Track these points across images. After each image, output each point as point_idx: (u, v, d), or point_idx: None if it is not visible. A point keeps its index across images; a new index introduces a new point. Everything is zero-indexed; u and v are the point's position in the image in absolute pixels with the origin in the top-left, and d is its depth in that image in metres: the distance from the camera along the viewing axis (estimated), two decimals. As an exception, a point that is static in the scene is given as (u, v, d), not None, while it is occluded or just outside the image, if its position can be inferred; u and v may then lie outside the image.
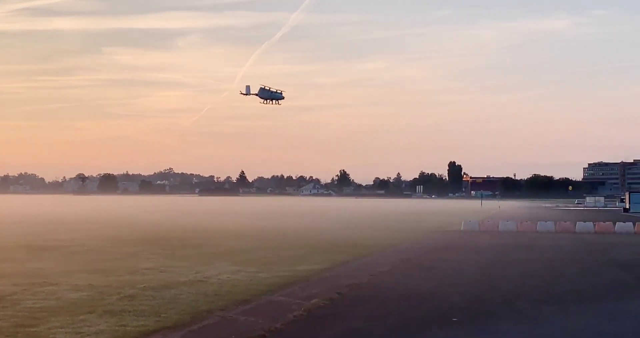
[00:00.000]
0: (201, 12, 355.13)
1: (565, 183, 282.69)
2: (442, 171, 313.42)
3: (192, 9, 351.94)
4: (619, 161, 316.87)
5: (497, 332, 13.57)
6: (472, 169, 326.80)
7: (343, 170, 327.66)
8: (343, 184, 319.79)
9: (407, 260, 27.12)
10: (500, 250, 32.36)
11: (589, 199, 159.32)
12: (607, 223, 49.60)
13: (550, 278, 22.04)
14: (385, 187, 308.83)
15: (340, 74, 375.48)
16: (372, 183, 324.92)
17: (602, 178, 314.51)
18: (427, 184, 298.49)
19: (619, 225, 48.15)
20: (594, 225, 48.37)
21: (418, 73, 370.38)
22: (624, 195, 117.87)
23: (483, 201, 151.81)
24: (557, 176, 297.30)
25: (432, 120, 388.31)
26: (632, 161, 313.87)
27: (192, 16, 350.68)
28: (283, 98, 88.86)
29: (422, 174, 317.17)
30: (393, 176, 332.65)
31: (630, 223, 48.82)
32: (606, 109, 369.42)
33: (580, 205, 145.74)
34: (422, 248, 32.72)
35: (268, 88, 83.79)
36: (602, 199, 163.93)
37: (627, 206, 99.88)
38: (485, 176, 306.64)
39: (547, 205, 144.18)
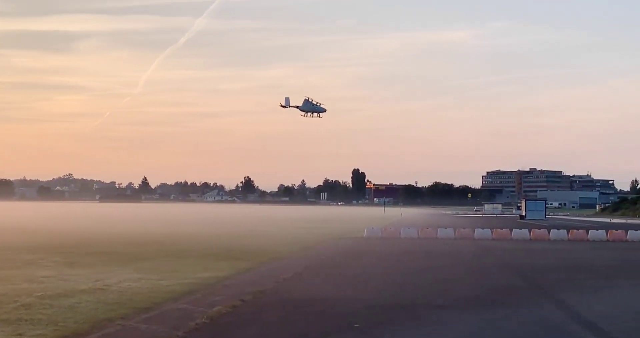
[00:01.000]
0: (103, 15, 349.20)
1: (464, 190, 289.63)
2: (346, 179, 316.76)
3: (94, 12, 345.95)
4: (515, 170, 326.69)
5: (397, 337, 13.81)
6: (376, 177, 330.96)
7: (247, 177, 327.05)
8: (248, 191, 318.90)
9: (311, 266, 27.27)
10: (402, 257, 32.89)
11: (487, 207, 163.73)
12: (504, 229, 51.08)
13: (450, 283, 22.54)
14: (290, 194, 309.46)
15: (244, 80, 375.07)
16: (276, 189, 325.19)
17: (500, 186, 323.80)
18: (332, 191, 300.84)
19: (516, 232, 49.69)
20: (492, 232, 49.73)
21: (322, 81, 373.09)
22: (521, 203, 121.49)
23: (386, 208, 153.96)
24: (457, 184, 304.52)
25: (336, 128, 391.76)
26: (528, 169, 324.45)
27: (94, 19, 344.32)
28: (325, 111, 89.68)
29: (326, 182, 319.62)
30: (298, 183, 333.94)
31: (526, 230, 50.43)
32: (504, 119, 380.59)
33: (479, 212, 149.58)
34: (326, 255, 32.96)
35: (311, 101, 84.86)
36: (499, 206, 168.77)
37: (524, 214, 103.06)
38: (388, 184, 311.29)
39: (447, 212, 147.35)
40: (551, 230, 50.36)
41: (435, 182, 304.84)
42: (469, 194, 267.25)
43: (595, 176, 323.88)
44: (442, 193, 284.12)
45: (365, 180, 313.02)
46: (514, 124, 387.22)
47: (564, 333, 14.19)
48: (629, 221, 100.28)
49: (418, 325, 14.93)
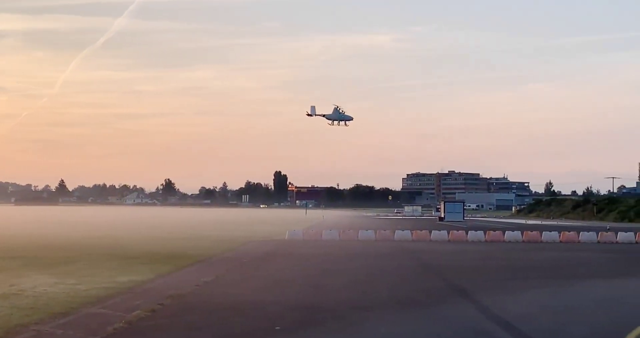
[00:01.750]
0: (20, 15, 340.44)
1: (385, 192, 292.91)
2: (268, 181, 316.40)
3: (10, 11, 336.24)
4: (435, 172, 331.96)
5: (318, 338, 13.89)
6: (298, 179, 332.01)
7: (168, 179, 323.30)
8: (168, 193, 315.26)
9: (232, 269, 27.13)
10: (324, 258, 33.03)
11: (408, 209, 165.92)
12: (423, 231, 51.82)
13: (372, 285, 22.75)
14: (211, 196, 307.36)
15: (166, 82, 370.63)
16: (198, 192, 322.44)
17: (420, 188, 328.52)
18: (253, 193, 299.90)
19: (435, 233, 50.48)
20: (412, 233, 50.38)
21: (245, 83, 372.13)
22: (440, 204, 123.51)
23: (308, 211, 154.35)
24: (378, 186, 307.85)
25: (259, 130, 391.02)
26: (447, 171, 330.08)
27: (10, 18, 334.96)
28: (352, 119, 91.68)
29: (248, 184, 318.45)
30: (219, 185, 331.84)
31: (445, 232, 51.29)
32: (424, 122, 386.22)
33: (399, 214, 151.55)
34: (248, 257, 32.84)
35: (340, 110, 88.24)
36: (419, 208, 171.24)
37: (442, 215, 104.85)
38: (310, 186, 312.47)
39: (368, 214, 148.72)
40: (469, 232, 51.34)
41: (357, 184, 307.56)
42: (390, 197, 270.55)
43: (511, 179, 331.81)
44: (363, 195, 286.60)
45: (288, 182, 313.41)
46: (433, 127, 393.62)
47: (480, 333, 14.48)
48: (544, 222, 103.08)
49: (341, 327, 15.01)
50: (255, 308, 17.12)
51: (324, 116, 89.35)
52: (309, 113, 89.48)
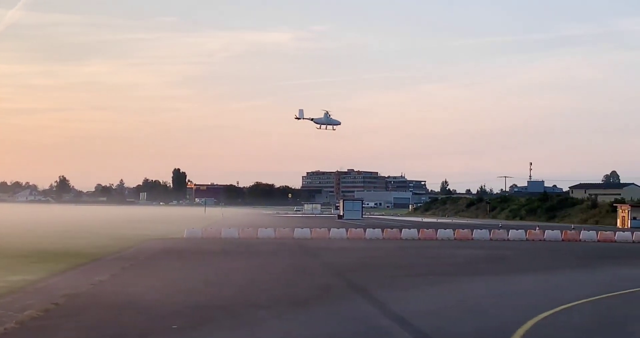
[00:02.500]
0: None
1: (285, 190, 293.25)
2: (167, 178, 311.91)
3: None
4: (334, 170, 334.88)
5: (214, 337, 13.86)
6: (197, 177, 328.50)
7: (63, 176, 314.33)
8: (63, 190, 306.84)
9: (128, 267, 26.70)
10: (222, 257, 32.93)
11: (307, 207, 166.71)
12: (322, 229, 52.24)
13: (269, 282, 22.82)
14: (107, 194, 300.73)
15: (61, 76, 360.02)
16: (93, 189, 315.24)
17: (319, 186, 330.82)
18: (151, 191, 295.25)
19: (334, 231, 50.97)
20: (311, 231, 50.71)
21: (143, 79, 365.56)
22: (339, 203, 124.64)
23: (207, 209, 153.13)
24: (278, 184, 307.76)
25: (157, 127, 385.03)
26: (347, 170, 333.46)
27: None
28: (339, 124, 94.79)
29: (145, 181, 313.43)
30: (116, 182, 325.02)
31: (344, 230, 51.88)
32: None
33: (299, 212, 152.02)
34: (145, 256, 32.39)
35: (329, 115, 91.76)
36: (319, 206, 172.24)
37: (341, 213, 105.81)
38: (210, 184, 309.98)
39: (268, 212, 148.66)
40: (367, 229, 52.09)
41: (257, 182, 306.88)
42: (290, 195, 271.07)
43: (408, 178, 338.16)
44: (263, 193, 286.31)
45: (186, 180, 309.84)
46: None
47: (376, 329, 14.76)
48: (439, 220, 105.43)
49: (236, 325, 15.03)
50: (152, 307, 16.94)
51: (312, 119, 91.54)
52: (297, 117, 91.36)
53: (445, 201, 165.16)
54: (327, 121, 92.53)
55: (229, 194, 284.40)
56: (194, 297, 19.00)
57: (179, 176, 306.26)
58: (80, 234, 50.10)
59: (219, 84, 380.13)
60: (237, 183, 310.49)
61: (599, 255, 38.74)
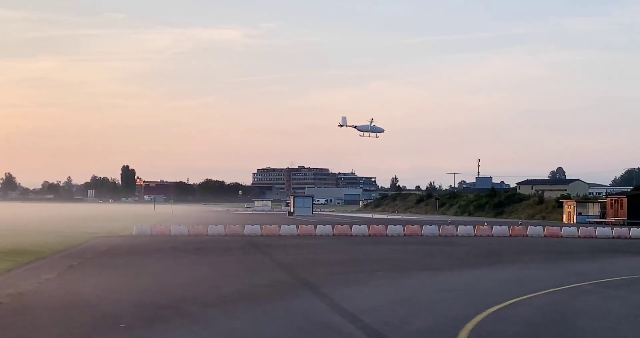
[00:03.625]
0: None
1: (236, 187, 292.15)
2: (115, 176, 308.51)
3: None
4: (285, 167, 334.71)
5: (164, 335, 13.71)
6: (146, 174, 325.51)
7: (9, 173, 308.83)
8: (9, 187, 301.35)
9: (76, 266, 26.30)
10: (171, 254, 32.65)
11: (258, 203, 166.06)
12: (273, 226, 52.11)
13: (219, 280, 22.68)
14: (55, 191, 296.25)
15: (7, 72, 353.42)
16: (40, 187, 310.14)
17: (270, 183, 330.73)
18: (100, 188, 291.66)
19: (284, 228, 50.89)
20: (261, 228, 50.54)
21: (92, 75, 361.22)
22: (289, 199, 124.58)
23: (157, 206, 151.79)
24: (228, 181, 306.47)
25: (106, 123, 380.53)
26: (297, 167, 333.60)
27: None
28: (383, 131, 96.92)
29: (94, 178, 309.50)
30: (63, 179, 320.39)
31: (294, 226, 51.84)
32: (274, 117, 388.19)
33: (249, 209, 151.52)
34: (92, 253, 31.94)
35: (373, 124, 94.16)
36: (269, 203, 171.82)
37: (292, 210, 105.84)
38: (159, 181, 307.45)
39: (218, 209, 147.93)
40: (317, 226, 52.14)
41: (207, 179, 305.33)
42: (240, 192, 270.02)
43: (359, 174, 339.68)
44: (213, 190, 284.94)
45: (136, 177, 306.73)
46: (283, 122, 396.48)
47: (326, 325, 14.75)
48: (389, 216, 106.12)
49: (186, 322, 14.89)
50: (100, 306, 16.70)
51: (355, 127, 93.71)
52: (340, 124, 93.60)
53: (395, 197, 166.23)
54: (371, 128, 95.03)
55: (179, 191, 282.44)
56: (143, 295, 18.78)
57: (127, 173, 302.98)
58: (27, 232, 49.18)
59: (169, 81, 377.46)
60: (187, 180, 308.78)
61: (546, 250, 39.32)
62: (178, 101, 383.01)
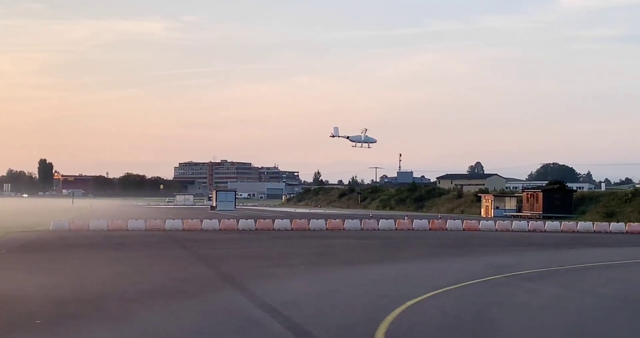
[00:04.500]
0: None
1: (157, 181, 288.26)
2: (32, 169, 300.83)
3: None
4: (207, 161, 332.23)
5: (81, 331, 13.45)
6: (64, 168, 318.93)
7: None
8: None
9: (-10, 262, 25.57)
10: (89, 249, 32.08)
11: (179, 198, 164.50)
12: (194, 220, 51.70)
13: (138, 274, 22.37)
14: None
15: None
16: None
17: (192, 177, 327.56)
18: (16, 182, 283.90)
19: (206, 222, 50.56)
20: (183, 223, 50.03)
21: (7, 66, 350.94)
22: (212, 194, 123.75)
23: (75, 200, 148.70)
24: (149, 175, 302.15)
25: (22, 116, 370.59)
26: (220, 161, 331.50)
27: None
28: (375, 141, 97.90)
29: (10, 172, 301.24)
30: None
31: (216, 220, 51.53)
32: (196, 111, 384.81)
33: (170, 203, 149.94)
34: (6, 249, 31.07)
35: (365, 134, 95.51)
36: (191, 197, 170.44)
37: (214, 204, 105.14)
38: (78, 175, 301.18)
39: (139, 203, 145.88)
40: (240, 220, 51.94)
41: (127, 173, 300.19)
42: (162, 186, 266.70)
43: (282, 168, 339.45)
44: (134, 185, 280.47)
45: (53, 171, 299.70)
46: (206, 116, 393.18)
47: (248, 320, 14.70)
48: (312, 210, 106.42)
49: (103, 318, 14.65)
50: (14, 302, 16.27)
51: (347, 137, 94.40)
52: (333, 134, 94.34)
53: (317, 191, 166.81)
54: (364, 139, 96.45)
55: (99, 185, 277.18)
56: (60, 290, 18.36)
57: (45, 167, 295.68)
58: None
59: (88, 73, 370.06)
60: (107, 174, 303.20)
61: (465, 243, 40.08)
62: (97, 94, 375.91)
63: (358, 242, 39.45)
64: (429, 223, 54.49)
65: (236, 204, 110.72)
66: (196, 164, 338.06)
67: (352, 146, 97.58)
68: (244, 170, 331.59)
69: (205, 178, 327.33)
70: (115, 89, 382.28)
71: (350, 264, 27.06)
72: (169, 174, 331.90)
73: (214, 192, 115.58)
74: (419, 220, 55.66)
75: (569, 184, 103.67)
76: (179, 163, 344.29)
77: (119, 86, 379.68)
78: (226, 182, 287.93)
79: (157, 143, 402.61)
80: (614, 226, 55.09)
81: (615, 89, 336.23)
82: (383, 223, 53.55)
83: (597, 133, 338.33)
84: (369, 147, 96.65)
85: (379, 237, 43.88)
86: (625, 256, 32.05)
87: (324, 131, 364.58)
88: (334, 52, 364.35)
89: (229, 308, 16.13)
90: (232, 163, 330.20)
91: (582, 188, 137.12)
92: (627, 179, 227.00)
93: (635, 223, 57.27)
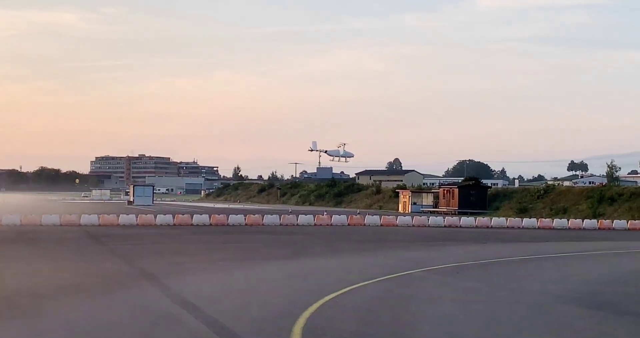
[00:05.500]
0: None
1: (72, 175, 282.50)
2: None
3: None
4: (125, 155, 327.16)
5: (-6, 329, 13.19)
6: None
7: None
8: None
9: None
10: (3, 245, 31.31)
11: (96, 192, 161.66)
12: (111, 215, 50.89)
13: (52, 271, 21.95)
14: None
15: None
16: None
17: (109, 172, 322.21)
18: None
19: (123, 217, 49.82)
20: (99, 218, 49.18)
21: None
22: (129, 188, 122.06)
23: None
24: (64, 169, 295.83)
25: None
26: (138, 155, 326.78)
27: None
28: (352, 156, 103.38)
29: None
30: None
31: (134, 216, 50.85)
32: (114, 104, 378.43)
33: (86, 198, 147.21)
34: None
35: (343, 149, 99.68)
36: (108, 192, 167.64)
37: (132, 199, 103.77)
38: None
39: (54, 198, 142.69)
40: (158, 215, 51.37)
41: (42, 167, 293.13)
42: (77, 180, 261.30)
43: (201, 163, 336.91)
44: (48, 179, 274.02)
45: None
46: (124, 110, 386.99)
47: (164, 316, 14.63)
48: (231, 206, 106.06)
49: (18, 315, 14.37)
50: None
51: (326, 152, 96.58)
52: (311, 149, 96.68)
53: (237, 187, 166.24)
54: (342, 154, 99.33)
55: (11, 179, 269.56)
56: (-30, 288, 17.90)
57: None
58: None
59: (1, 63, 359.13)
60: (20, 168, 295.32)
61: (382, 238, 40.61)
62: (10, 86, 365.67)
63: (277, 237, 39.54)
64: (347, 218, 54.98)
65: (154, 199, 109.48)
66: (113, 158, 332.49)
67: (330, 160, 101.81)
68: (162, 165, 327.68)
69: (123, 172, 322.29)
70: (30, 81, 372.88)
71: (268, 259, 27.13)
72: (85, 169, 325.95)
73: (132, 187, 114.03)
74: (337, 216, 56.11)
75: (484, 181, 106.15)
76: (96, 157, 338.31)
77: (34, 77, 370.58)
78: (144, 177, 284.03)
79: (72, 136, 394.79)
80: (527, 221, 56.65)
81: (528, 89, 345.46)
82: (302, 219, 53.79)
83: (511, 131, 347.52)
84: (346, 161, 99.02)
85: (298, 232, 44.07)
86: (537, 251, 33.08)
87: (244, 126, 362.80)
88: (254, 48, 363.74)
89: (146, 304, 16.01)
90: (150, 158, 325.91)
91: (497, 184, 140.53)
92: (539, 176, 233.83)
93: (547, 219, 59.05)
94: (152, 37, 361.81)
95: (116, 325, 13.69)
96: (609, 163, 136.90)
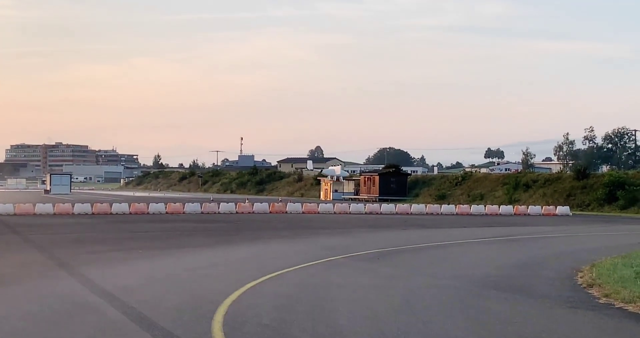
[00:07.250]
0: None
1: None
2: None
3: None
4: (41, 143, 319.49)
5: None
6: None
7: None
8: None
9: None
10: None
11: (11, 181, 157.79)
12: (27, 204, 49.81)
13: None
14: None
15: None
16: None
17: (25, 160, 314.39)
18: None
19: (39, 206, 48.87)
20: (14, 207, 48.08)
21: None
22: (46, 177, 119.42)
23: None
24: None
25: None
26: (55, 143, 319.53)
27: None
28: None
29: None
30: None
31: (50, 205, 49.86)
32: (29, 91, 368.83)
33: (1, 187, 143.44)
34: None
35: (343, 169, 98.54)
36: (24, 181, 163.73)
37: (49, 188, 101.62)
38: None
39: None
40: (75, 204, 50.46)
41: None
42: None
43: (120, 151, 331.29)
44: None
45: None
46: (40, 97, 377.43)
47: (82, 306, 14.38)
48: (151, 194, 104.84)
49: None
50: None
51: (320, 171, 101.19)
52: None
53: (157, 175, 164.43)
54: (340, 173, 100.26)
55: None
56: None
57: None
58: None
59: None
60: None
61: (303, 225, 40.78)
62: None
63: (198, 226, 39.29)
64: (269, 206, 55.00)
65: (72, 188, 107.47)
66: (29, 146, 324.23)
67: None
68: (80, 153, 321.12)
69: (39, 160, 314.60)
70: None
71: (189, 247, 26.94)
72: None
73: (48, 175, 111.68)
74: (259, 203, 56.07)
75: (404, 168, 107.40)
76: (11, 145, 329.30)
77: None
78: (61, 165, 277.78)
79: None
80: (445, 208, 57.71)
81: (446, 77, 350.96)
82: (224, 207, 53.60)
83: (430, 119, 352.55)
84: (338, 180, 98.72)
85: (219, 221, 43.89)
86: (455, 237, 33.73)
87: (164, 114, 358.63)
88: (173, 35, 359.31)
89: (62, 294, 15.70)
90: (68, 146, 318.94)
91: (416, 171, 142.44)
92: (457, 163, 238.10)
93: (465, 205, 60.26)
94: (69, 23, 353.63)
95: (30, 314, 13.38)
96: (524, 150, 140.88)
